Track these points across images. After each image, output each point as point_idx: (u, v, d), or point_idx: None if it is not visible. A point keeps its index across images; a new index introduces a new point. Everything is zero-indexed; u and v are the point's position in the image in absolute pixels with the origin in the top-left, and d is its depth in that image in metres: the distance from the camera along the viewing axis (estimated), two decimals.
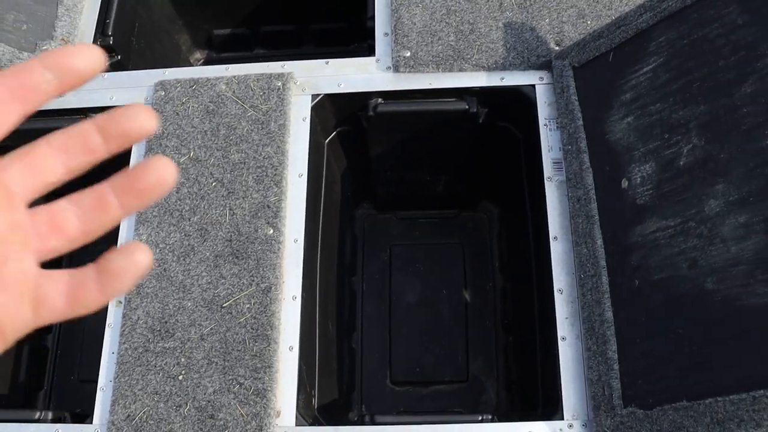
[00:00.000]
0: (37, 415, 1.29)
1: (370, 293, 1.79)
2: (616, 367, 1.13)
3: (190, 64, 2.03)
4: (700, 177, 1.09)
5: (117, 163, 0.38)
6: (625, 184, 1.20)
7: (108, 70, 1.58)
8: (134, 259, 0.37)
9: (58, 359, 1.80)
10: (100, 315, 1.87)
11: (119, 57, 1.62)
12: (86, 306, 0.38)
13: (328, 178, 1.55)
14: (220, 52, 2.06)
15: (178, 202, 1.33)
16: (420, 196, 1.83)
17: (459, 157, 1.66)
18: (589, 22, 1.44)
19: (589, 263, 1.20)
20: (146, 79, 1.47)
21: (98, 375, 1.31)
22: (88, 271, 0.38)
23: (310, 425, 1.22)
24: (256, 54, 2.05)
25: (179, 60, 1.98)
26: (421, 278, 1.79)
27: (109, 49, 1.58)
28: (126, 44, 1.66)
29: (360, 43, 2.01)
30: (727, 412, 0.97)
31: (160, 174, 0.37)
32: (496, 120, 1.51)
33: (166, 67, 1.53)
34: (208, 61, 2.06)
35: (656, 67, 1.19)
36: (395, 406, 1.64)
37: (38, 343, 1.79)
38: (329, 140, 1.56)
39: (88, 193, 0.38)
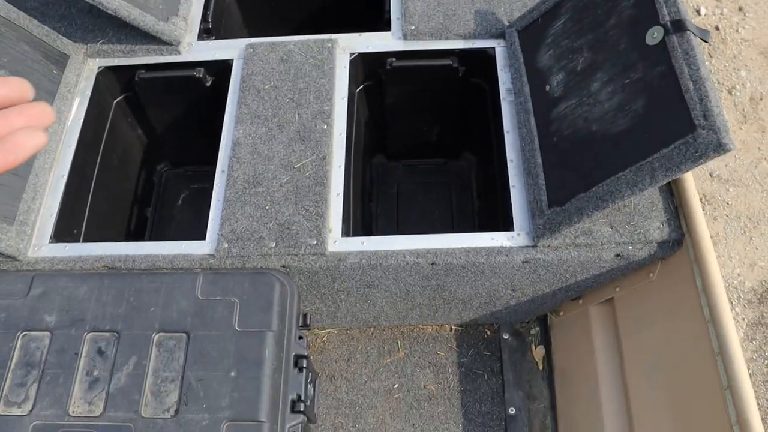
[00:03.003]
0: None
1: (382, 215, 2.59)
2: (543, 188, 1.93)
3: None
4: (588, 74, 1.94)
5: None
6: (547, 88, 2.05)
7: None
8: (36, 137, 0.55)
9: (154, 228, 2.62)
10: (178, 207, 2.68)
11: (214, 37, 2.49)
12: None
13: (357, 120, 2.38)
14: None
15: (263, 110, 2.16)
16: (419, 147, 2.67)
17: (447, 107, 2.51)
18: (529, 6, 2.34)
19: (527, 136, 2.03)
20: (238, 43, 2.34)
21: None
22: None
23: (349, 236, 1.99)
24: None
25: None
26: (420, 206, 2.60)
27: (208, 31, 2.46)
28: (216, 28, 2.54)
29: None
30: (604, 191, 1.77)
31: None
32: (470, 77, 2.38)
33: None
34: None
35: (565, 21, 2.07)
36: None
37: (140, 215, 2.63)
38: (358, 91, 2.41)
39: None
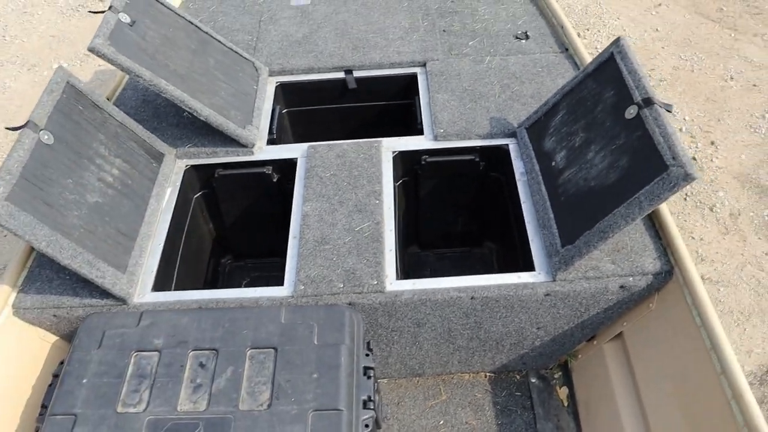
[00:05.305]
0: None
1: None
2: (557, 234, 2.55)
3: None
4: (584, 147, 2.64)
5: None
6: (553, 163, 2.73)
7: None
8: None
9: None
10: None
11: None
12: None
13: (398, 207, 3.04)
14: None
15: (326, 191, 2.82)
16: (447, 237, 3.31)
17: (470, 199, 3.19)
18: (530, 111, 3.09)
19: (540, 200, 2.68)
20: (301, 146, 3.06)
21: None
22: None
23: (402, 279, 2.57)
24: None
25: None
26: None
27: (273, 141, 3.18)
28: (278, 139, 3.27)
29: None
30: (605, 225, 2.40)
31: None
32: (489, 171, 3.08)
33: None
34: None
35: (563, 114, 2.81)
36: None
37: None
38: (397, 185, 3.09)
39: None
